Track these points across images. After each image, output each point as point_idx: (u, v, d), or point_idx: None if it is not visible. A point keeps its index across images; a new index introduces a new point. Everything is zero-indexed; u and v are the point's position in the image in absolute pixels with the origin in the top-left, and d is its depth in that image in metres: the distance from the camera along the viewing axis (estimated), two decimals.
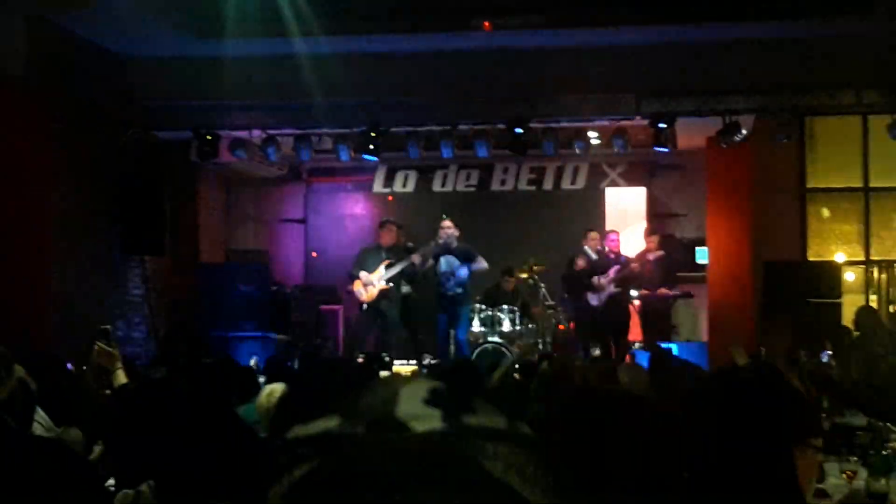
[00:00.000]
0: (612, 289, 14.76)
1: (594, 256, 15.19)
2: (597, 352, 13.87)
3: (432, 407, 0.93)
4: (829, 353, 10.91)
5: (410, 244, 15.19)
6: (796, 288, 13.47)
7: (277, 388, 6.31)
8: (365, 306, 14.46)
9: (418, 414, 0.93)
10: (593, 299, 14.90)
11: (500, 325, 14.83)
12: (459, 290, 14.75)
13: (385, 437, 0.90)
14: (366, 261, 14.59)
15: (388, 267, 14.37)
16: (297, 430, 0.95)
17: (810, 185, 15.50)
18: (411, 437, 0.90)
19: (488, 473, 0.88)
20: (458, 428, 0.91)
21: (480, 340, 14.45)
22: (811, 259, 15.20)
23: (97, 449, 6.02)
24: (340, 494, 0.87)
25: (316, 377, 2.77)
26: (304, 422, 0.96)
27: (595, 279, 14.90)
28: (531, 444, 0.93)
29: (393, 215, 16.75)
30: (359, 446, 0.90)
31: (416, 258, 14.54)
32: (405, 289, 14.70)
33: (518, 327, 14.88)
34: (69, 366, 8.97)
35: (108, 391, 6.50)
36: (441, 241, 14.94)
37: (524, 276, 15.57)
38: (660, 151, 14.54)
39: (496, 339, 14.44)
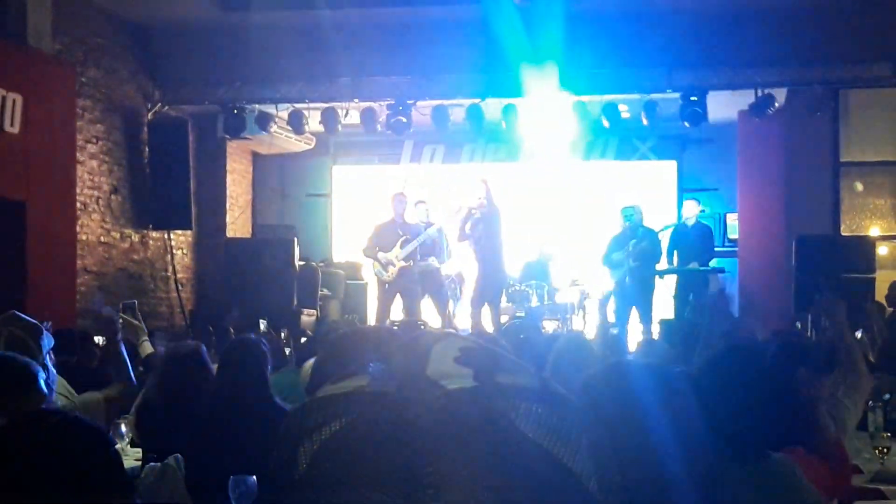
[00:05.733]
0: (631, 264, 14.57)
1: (618, 230, 15.05)
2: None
3: (464, 365, 0.92)
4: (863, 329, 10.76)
5: (431, 218, 15.05)
6: (829, 263, 13.31)
7: None
8: (386, 285, 14.36)
9: (450, 372, 0.91)
10: (613, 274, 14.76)
11: (528, 300, 14.75)
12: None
13: (416, 395, 0.89)
14: (381, 238, 14.44)
15: (404, 244, 14.24)
16: (328, 389, 0.94)
17: (844, 158, 15.31)
18: (442, 395, 0.89)
19: (520, 432, 0.88)
20: (489, 386, 0.90)
21: (509, 315, 14.37)
22: (845, 234, 15.03)
23: (127, 420, 6.01)
24: (371, 451, 0.86)
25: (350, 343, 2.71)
26: (334, 381, 0.94)
27: (615, 254, 14.77)
28: (563, 403, 0.92)
29: (419, 189, 16.67)
30: (390, 404, 0.89)
31: (432, 232, 14.39)
32: (427, 263, 14.55)
33: (546, 303, 14.80)
34: (97, 339, 8.99)
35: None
36: (477, 209, 14.77)
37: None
38: (690, 125, 14.44)
39: (523, 314, 14.36)
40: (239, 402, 5.22)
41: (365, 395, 0.90)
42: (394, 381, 0.90)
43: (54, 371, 4.93)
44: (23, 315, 4.87)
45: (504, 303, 14.70)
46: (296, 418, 0.92)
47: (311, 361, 6.26)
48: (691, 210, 15.12)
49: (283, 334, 10.72)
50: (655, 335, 12.54)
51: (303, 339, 10.69)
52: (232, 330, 10.20)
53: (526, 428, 0.87)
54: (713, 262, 14.98)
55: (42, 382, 3.91)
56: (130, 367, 5.89)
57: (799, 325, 9.14)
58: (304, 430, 0.90)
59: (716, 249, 15.43)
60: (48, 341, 4.78)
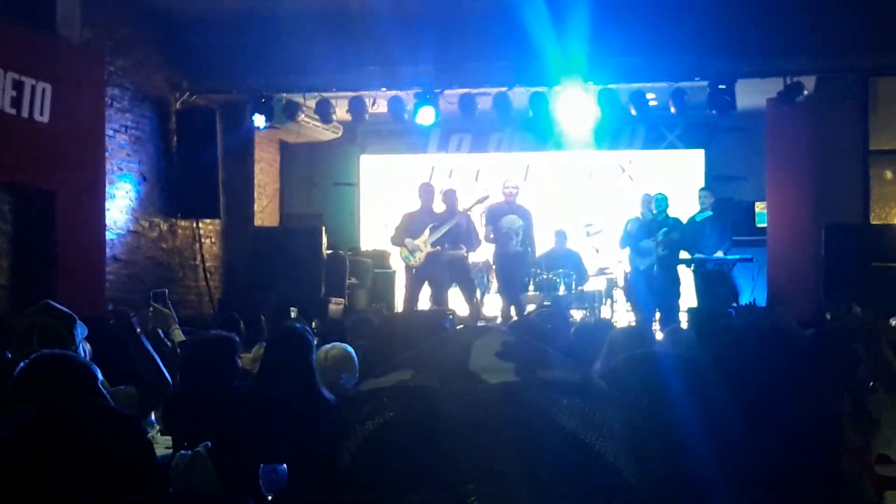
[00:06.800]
0: (660, 251, 14.53)
1: (643, 219, 14.99)
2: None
3: (505, 360, 0.93)
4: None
5: (457, 206, 15.05)
6: (858, 252, 13.25)
7: (338, 346, 6.28)
8: (414, 271, 14.38)
9: (491, 367, 0.92)
10: (640, 263, 14.72)
11: (556, 289, 14.73)
12: (520, 249, 14.59)
13: (458, 388, 0.90)
14: (409, 226, 14.46)
15: (432, 230, 14.25)
16: (371, 383, 0.95)
17: (874, 147, 15.18)
18: (485, 389, 0.89)
19: (561, 426, 0.88)
20: (531, 381, 0.90)
21: (536, 304, 14.36)
22: (874, 222, 14.94)
23: (156, 413, 6.04)
24: (414, 445, 0.87)
25: (398, 333, 2.72)
26: (376, 375, 0.96)
27: (643, 243, 14.73)
28: (606, 398, 0.93)
29: (446, 178, 16.69)
30: (433, 398, 0.89)
31: (460, 220, 14.39)
32: (455, 251, 14.54)
33: (574, 291, 14.78)
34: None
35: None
36: (503, 200, 14.79)
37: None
38: (719, 113, 14.37)
39: (551, 303, 14.32)
40: (285, 390, 5.23)
41: (408, 390, 0.91)
42: (436, 375, 0.91)
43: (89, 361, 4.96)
44: (56, 304, 4.91)
45: (531, 291, 14.71)
46: (340, 412, 0.93)
47: (325, 348, 6.28)
48: (705, 198, 15.09)
49: (314, 324, 10.76)
50: (683, 324, 12.52)
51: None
52: (264, 318, 10.23)
53: (567, 423, 0.88)
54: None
55: (100, 384, 3.94)
56: (161, 363, 5.91)
57: (829, 316, 9.09)
58: (348, 425, 0.91)
59: (744, 238, 15.37)
60: (82, 330, 4.81)
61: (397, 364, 0.95)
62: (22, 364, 3.88)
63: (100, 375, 4.00)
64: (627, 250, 14.92)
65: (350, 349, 6.09)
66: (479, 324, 13.29)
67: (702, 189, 15.59)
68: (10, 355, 4.80)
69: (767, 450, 2.35)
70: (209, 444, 5.13)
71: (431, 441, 0.86)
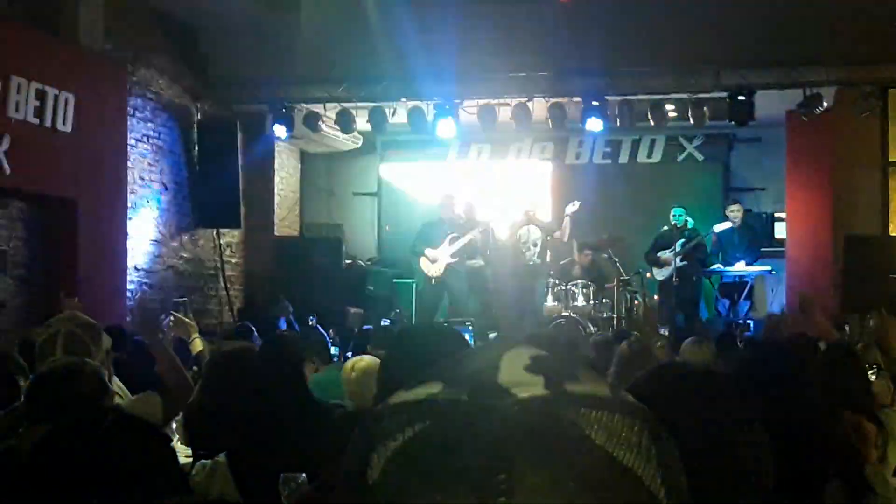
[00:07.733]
0: (678, 263, 14.52)
1: (662, 230, 14.99)
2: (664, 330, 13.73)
3: (535, 374, 0.92)
4: None
5: (476, 217, 15.07)
6: (878, 263, 13.21)
7: (365, 358, 6.29)
8: (433, 280, 14.42)
9: (521, 380, 0.91)
10: (659, 274, 14.70)
11: (574, 300, 14.71)
12: (536, 261, 14.63)
13: (488, 402, 0.89)
14: (429, 236, 14.51)
15: (452, 241, 14.28)
16: (400, 396, 0.94)
17: (893, 158, 15.14)
18: (514, 404, 0.89)
19: (591, 441, 0.87)
20: (560, 395, 0.90)
21: (554, 315, 14.35)
22: (894, 234, 14.89)
23: (176, 421, 6.07)
24: (443, 459, 0.87)
25: (416, 344, 2.73)
26: (406, 388, 0.95)
27: (661, 254, 14.72)
28: (635, 413, 0.92)
29: (467, 189, 16.70)
30: (462, 412, 0.89)
31: (479, 231, 14.42)
32: (474, 262, 14.57)
33: (592, 302, 14.75)
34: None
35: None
36: (522, 215, 14.82)
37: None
38: (738, 125, 14.36)
39: (570, 314, 14.31)
40: (276, 398, 5.25)
41: (437, 403, 0.91)
42: (465, 388, 0.91)
43: (112, 371, 4.99)
44: (81, 314, 4.94)
45: (550, 302, 14.70)
46: (369, 424, 0.93)
47: (353, 359, 6.29)
48: (736, 212, 15.06)
49: (331, 333, 10.81)
50: (701, 335, 12.49)
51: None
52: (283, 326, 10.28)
53: (596, 436, 0.88)
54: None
55: (111, 388, 3.98)
56: (184, 369, 5.94)
57: (847, 328, 9.08)
58: (377, 437, 0.91)
59: (763, 249, 15.33)
60: (106, 341, 4.84)
61: (426, 377, 0.95)
62: (35, 375, 3.91)
63: (110, 379, 4.03)
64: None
65: (377, 360, 6.10)
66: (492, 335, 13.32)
67: (733, 203, 15.53)
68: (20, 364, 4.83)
69: (788, 460, 2.36)
70: (228, 452, 5.15)
71: (460, 454, 0.86)
